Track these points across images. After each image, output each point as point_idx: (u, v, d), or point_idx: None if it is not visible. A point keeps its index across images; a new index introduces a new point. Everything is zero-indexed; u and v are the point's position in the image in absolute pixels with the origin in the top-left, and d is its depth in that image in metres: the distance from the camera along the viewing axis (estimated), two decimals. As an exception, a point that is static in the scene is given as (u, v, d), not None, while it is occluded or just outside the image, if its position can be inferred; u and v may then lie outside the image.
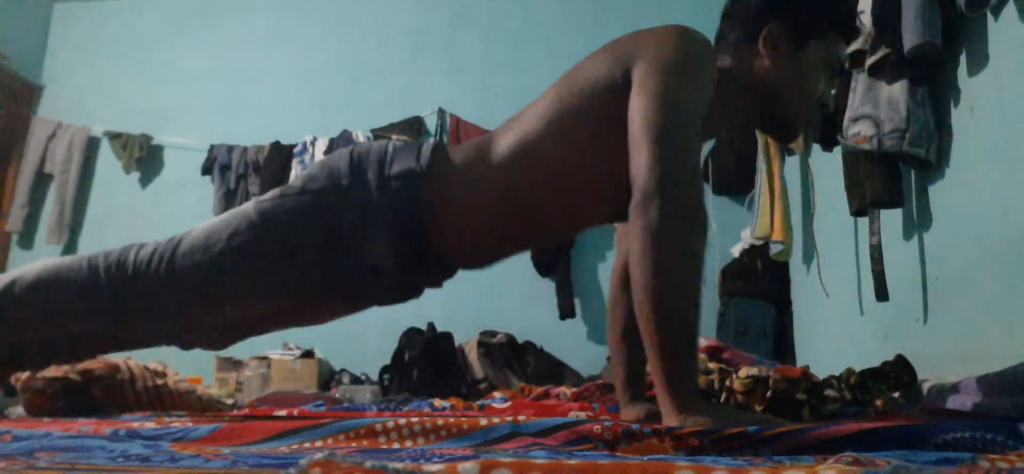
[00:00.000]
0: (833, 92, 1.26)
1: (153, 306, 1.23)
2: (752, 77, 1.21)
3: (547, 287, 4.04)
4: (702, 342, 1.84)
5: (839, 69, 1.26)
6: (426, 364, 3.45)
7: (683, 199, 1.00)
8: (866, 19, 2.03)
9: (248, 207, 1.24)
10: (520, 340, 3.78)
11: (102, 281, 1.21)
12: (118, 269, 1.22)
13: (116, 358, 1.63)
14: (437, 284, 1.30)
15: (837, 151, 2.48)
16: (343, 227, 1.20)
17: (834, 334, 2.79)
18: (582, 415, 1.27)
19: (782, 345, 3.33)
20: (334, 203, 1.20)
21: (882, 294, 2.06)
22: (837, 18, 1.23)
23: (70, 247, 4.57)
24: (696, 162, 1.05)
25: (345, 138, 4.34)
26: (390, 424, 0.88)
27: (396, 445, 0.85)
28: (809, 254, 3.06)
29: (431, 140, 1.30)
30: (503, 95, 4.37)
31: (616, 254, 1.39)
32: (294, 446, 0.85)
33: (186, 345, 1.32)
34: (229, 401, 2.41)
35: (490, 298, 3.87)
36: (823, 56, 1.21)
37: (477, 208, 1.20)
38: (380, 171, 1.21)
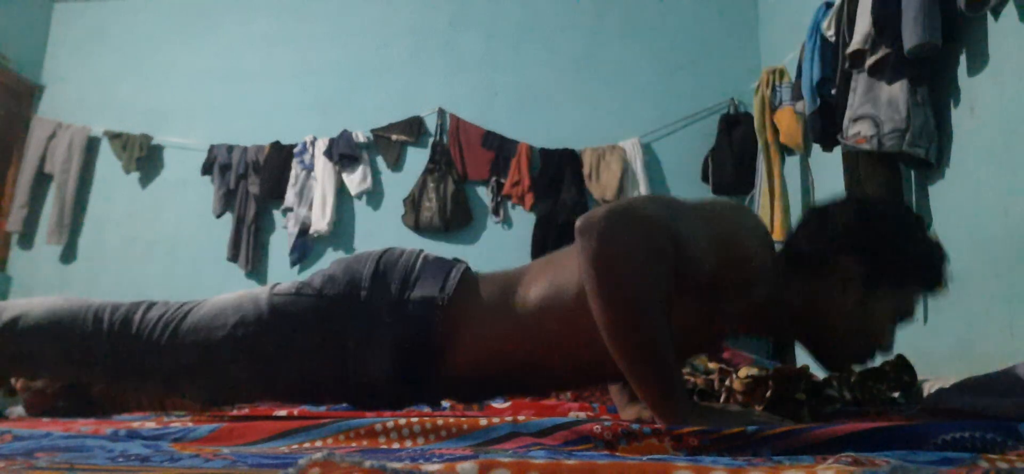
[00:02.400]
0: (895, 332, 1.13)
1: (147, 370, 1.22)
2: (810, 299, 1.10)
3: (547, 287, 4.04)
4: (702, 342, 1.84)
5: (909, 318, 1.13)
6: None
7: (622, 222, 0.96)
8: (866, 19, 2.03)
9: (262, 296, 1.22)
10: (520, 340, 3.78)
11: (104, 335, 1.21)
12: (122, 327, 1.21)
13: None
14: (432, 404, 1.29)
15: (837, 151, 2.48)
16: (349, 334, 1.18)
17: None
18: (582, 415, 1.26)
19: (782, 345, 3.33)
20: (346, 313, 1.19)
21: (882, 294, 2.05)
22: (925, 274, 1.11)
23: (70, 247, 4.57)
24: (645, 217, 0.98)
25: (345, 138, 4.34)
26: (390, 424, 0.88)
27: (396, 445, 0.85)
28: (809, 254, 3.05)
29: (462, 265, 1.26)
30: (503, 94, 4.38)
31: None
32: (294, 446, 0.85)
33: (170, 408, 1.31)
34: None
35: (490, 298, 3.87)
36: (896, 306, 1.10)
37: (488, 351, 1.17)
38: (402, 290, 1.19)
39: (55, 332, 1.22)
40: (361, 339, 1.17)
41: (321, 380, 1.20)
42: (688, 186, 3.97)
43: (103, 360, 1.22)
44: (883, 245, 1.08)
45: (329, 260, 4.19)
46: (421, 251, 1.27)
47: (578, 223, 0.98)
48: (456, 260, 1.26)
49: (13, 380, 1.53)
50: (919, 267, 1.10)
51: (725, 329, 1.18)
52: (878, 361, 1.25)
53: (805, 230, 1.15)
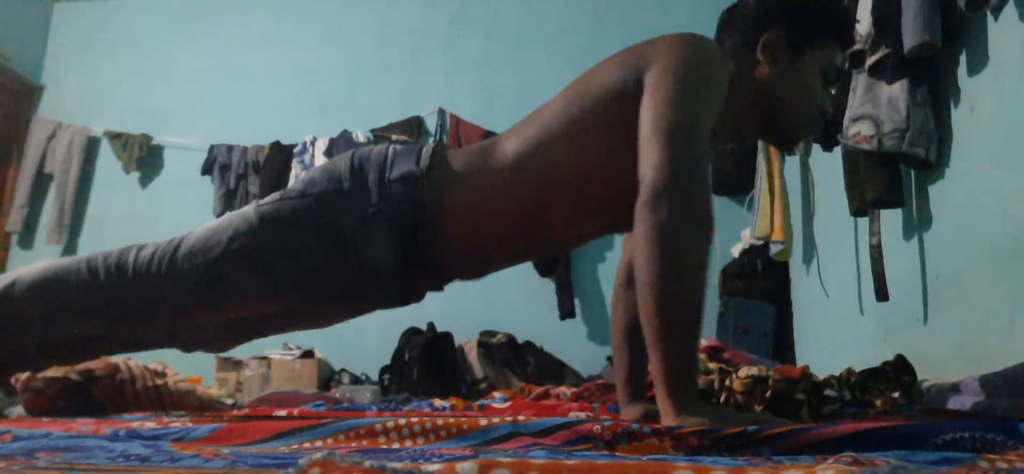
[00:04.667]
0: (832, 95, 1.25)
1: (153, 308, 1.23)
2: (750, 85, 1.20)
3: (547, 287, 4.04)
4: (702, 342, 1.84)
5: (836, 76, 1.25)
6: (426, 364, 3.45)
7: (691, 200, 0.99)
8: (866, 19, 2.03)
9: (248, 210, 1.24)
10: (520, 340, 3.78)
11: (101, 282, 1.21)
12: (117, 271, 1.22)
13: (116, 358, 1.63)
14: (438, 287, 1.30)
15: (837, 151, 2.48)
16: (343, 230, 1.19)
17: (834, 334, 2.79)
18: (582, 415, 1.27)
19: (782, 345, 3.33)
20: (334, 206, 1.20)
21: (882, 294, 2.06)
22: (834, 26, 1.22)
23: (70, 247, 4.57)
24: (705, 166, 1.05)
25: (345, 138, 4.34)
26: (390, 424, 0.88)
27: (396, 445, 0.85)
28: (809, 254, 3.06)
29: (431, 141, 1.29)
30: (503, 95, 4.38)
31: (622, 252, 1.39)
32: (294, 446, 0.85)
33: (187, 347, 1.31)
34: (229, 401, 2.41)
35: (490, 298, 3.87)
36: (821, 63, 1.21)
37: (478, 212, 1.19)
38: (380, 174, 1.21)
39: (52, 288, 1.23)
40: (353, 226, 1.19)
41: (326, 274, 1.21)
42: (688, 186, 3.97)
43: (105, 307, 1.22)
44: (794, 9, 1.20)
45: (329, 260, 4.20)
46: (390, 140, 1.30)
47: (645, 196, 1.00)
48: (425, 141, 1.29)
49: (13, 379, 1.53)
50: (831, 20, 1.22)
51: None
52: (886, 354, 1.26)
53: (726, 27, 1.26)
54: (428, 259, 1.22)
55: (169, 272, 1.20)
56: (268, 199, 1.25)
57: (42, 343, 1.28)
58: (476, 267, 1.29)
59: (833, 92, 1.25)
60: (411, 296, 1.27)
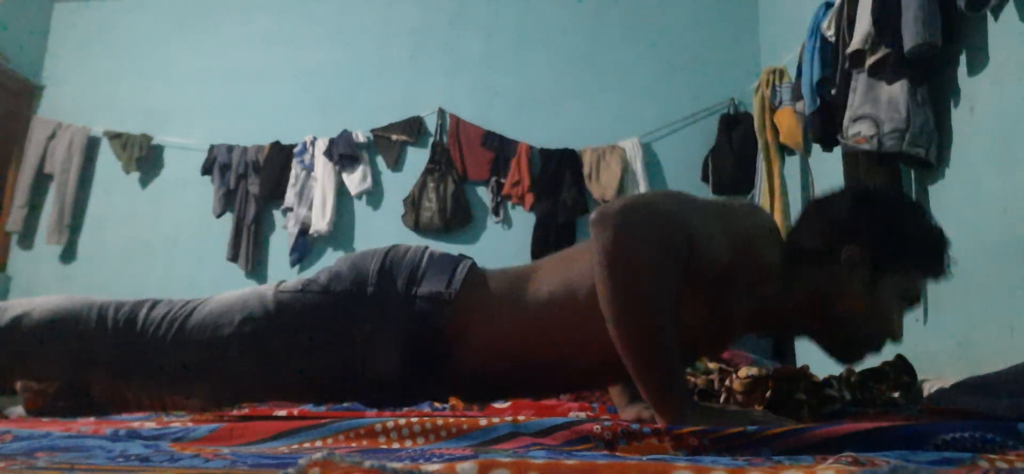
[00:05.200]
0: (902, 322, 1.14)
1: (153, 367, 1.22)
2: (820, 292, 1.10)
3: (547, 287, 4.04)
4: (702, 342, 1.84)
5: (917, 304, 1.14)
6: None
7: (638, 215, 0.97)
8: (866, 19, 2.03)
9: (267, 293, 1.22)
10: (520, 340, 3.78)
11: (108, 333, 1.20)
12: (127, 325, 1.21)
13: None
14: (441, 401, 1.29)
15: (837, 151, 2.48)
16: (356, 332, 1.17)
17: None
18: (582, 415, 1.26)
19: (782, 345, 3.33)
20: (354, 308, 1.18)
21: (882, 294, 2.05)
22: (926, 259, 1.12)
23: (70, 247, 4.57)
24: (666, 228, 0.98)
25: (345, 138, 4.34)
26: (390, 424, 0.88)
27: (396, 445, 0.85)
28: (809, 254, 3.05)
29: (468, 261, 1.23)
30: (503, 95, 4.38)
31: None
32: (294, 446, 0.85)
33: (171, 408, 1.30)
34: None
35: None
36: (903, 290, 1.11)
37: (497, 344, 1.16)
38: (408, 286, 1.18)
39: (58, 331, 1.22)
40: (368, 335, 1.17)
41: (329, 376, 1.20)
42: (688, 186, 3.97)
43: (107, 359, 1.21)
44: (886, 229, 1.09)
45: (329, 260, 4.19)
46: (427, 247, 1.27)
47: (593, 215, 0.99)
48: (462, 256, 1.26)
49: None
50: (922, 249, 1.11)
51: (735, 331, 1.17)
52: (886, 354, 1.26)
53: (807, 222, 1.16)
54: (435, 378, 1.20)
55: (176, 338, 1.19)
56: (289, 286, 1.23)
57: (39, 375, 1.27)
58: (479, 392, 1.27)
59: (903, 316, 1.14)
60: (407, 403, 1.25)
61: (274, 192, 4.34)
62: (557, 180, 4.08)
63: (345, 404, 1.19)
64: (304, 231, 4.25)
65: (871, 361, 1.33)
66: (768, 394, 1.30)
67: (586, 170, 4.07)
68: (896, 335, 1.13)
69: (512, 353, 1.16)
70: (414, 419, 0.88)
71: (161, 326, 1.20)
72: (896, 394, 1.43)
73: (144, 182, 4.65)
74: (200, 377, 1.22)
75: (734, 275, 1.06)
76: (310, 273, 1.27)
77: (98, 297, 1.26)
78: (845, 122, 2.18)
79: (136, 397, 1.62)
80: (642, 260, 0.95)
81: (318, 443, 0.85)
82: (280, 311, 1.19)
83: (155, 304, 1.23)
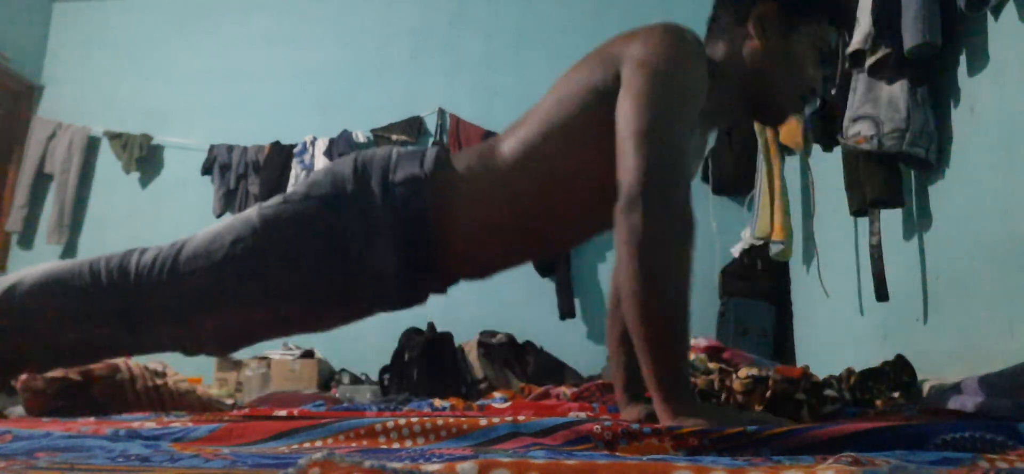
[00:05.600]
0: (825, 79, 1.25)
1: (155, 311, 1.22)
2: (742, 61, 1.20)
3: (547, 287, 4.04)
4: (702, 342, 1.84)
5: (828, 53, 1.24)
6: (426, 364, 3.45)
7: (666, 202, 0.99)
8: (866, 19, 2.03)
9: (251, 213, 1.23)
10: (520, 340, 3.78)
11: (103, 286, 1.20)
12: (120, 274, 1.21)
13: (116, 358, 1.63)
14: (442, 290, 1.30)
15: (837, 151, 2.48)
16: (346, 233, 1.19)
17: (834, 334, 2.79)
18: (582, 415, 1.27)
19: (782, 345, 3.33)
20: (338, 209, 1.20)
21: (882, 294, 2.06)
22: (829, 2, 1.21)
23: (70, 247, 4.57)
24: (682, 164, 1.04)
25: (345, 138, 4.34)
26: (390, 424, 0.88)
27: (396, 445, 0.85)
28: (809, 254, 3.06)
29: (435, 146, 1.29)
30: (503, 95, 4.38)
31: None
32: (294, 446, 0.85)
33: (189, 351, 1.31)
34: (229, 401, 2.41)
35: (490, 298, 3.87)
36: (813, 40, 1.19)
37: (480, 214, 1.20)
38: (384, 177, 1.20)
39: (54, 291, 1.22)
40: (356, 232, 1.19)
41: (328, 280, 1.21)
42: (688, 186, 3.96)
43: (106, 311, 1.21)
44: None
45: (329, 260, 4.20)
46: (390, 141, 1.31)
47: (621, 202, 1.00)
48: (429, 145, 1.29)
49: (13, 380, 1.53)
50: None
51: (700, 146, 1.26)
52: (886, 354, 1.26)
53: (722, 4, 1.26)
54: (431, 261, 1.22)
55: (171, 276, 1.19)
56: (271, 202, 1.24)
57: (45, 345, 1.27)
58: (479, 268, 1.29)
59: (826, 73, 1.24)
60: (414, 299, 1.27)
61: (274, 192, 4.33)
62: (557, 180, 4.08)
63: (345, 404, 1.19)
64: (304, 231, 4.25)
65: (870, 360, 1.33)
66: (768, 394, 1.30)
67: (586, 170, 4.07)
68: (815, 82, 1.21)
69: (496, 216, 1.20)
70: (414, 419, 0.89)
71: (154, 268, 1.20)
72: (896, 394, 1.43)
73: (144, 182, 4.65)
74: (202, 308, 1.22)
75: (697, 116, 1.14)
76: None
77: (87, 257, 1.27)
78: (845, 122, 2.18)
79: (136, 395, 1.62)
80: (670, 253, 0.98)
81: (318, 443, 0.85)
82: (266, 225, 1.20)
83: (143, 251, 1.24)
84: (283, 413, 1.19)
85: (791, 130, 3.19)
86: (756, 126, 3.50)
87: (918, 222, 2.00)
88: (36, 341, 1.26)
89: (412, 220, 1.18)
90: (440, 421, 0.88)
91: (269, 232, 1.20)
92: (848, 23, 1.24)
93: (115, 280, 1.21)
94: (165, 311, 1.22)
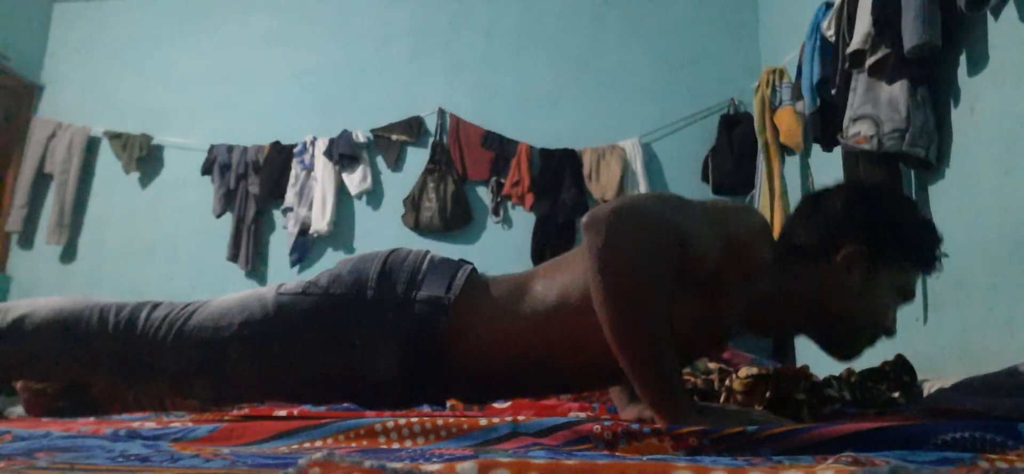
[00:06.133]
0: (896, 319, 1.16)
1: (153, 369, 1.22)
2: (813, 288, 1.11)
3: (547, 287, 4.04)
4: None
5: (911, 298, 1.16)
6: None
7: (629, 219, 0.96)
8: (866, 19, 2.03)
9: (268, 295, 1.22)
10: (520, 340, 3.78)
11: (109, 335, 1.21)
12: (127, 327, 1.21)
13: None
14: (439, 403, 1.29)
15: (837, 151, 2.48)
16: (356, 336, 1.18)
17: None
18: (582, 415, 1.26)
19: (782, 345, 3.33)
20: (353, 312, 1.18)
21: (882, 294, 2.05)
22: (921, 255, 1.13)
23: (70, 247, 4.57)
24: (659, 231, 0.98)
25: (345, 138, 4.34)
26: (390, 424, 0.88)
27: (396, 445, 0.85)
28: (809, 254, 3.05)
29: (468, 266, 1.23)
30: (503, 95, 4.38)
31: None
32: (294, 446, 0.85)
33: (170, 409, 1.31)
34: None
35: (490, 298, 3.87)
36: (898, 285, 1.12)
37: (499, 352, 1.16)
38: (408, 290, 1.19)
39: (60, 332, 1.22)
40: (367, 338, 1.17)
41: (328, 378, 1.20)
42: (688, 186, 3.97)
43: (108, 360, 1.22)
44: (881, 225, 1.10)
45: (329, 260, 4.20)
46: (428, 252, 1.27)
47: (584, 219, 0.99)
48: (462, 261, 1.26)
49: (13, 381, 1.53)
50: (917, 244, 1.12)
51: (729, 330, 1.17)
52: (885, 353, 1.26)
53: (802, 219, 1.17)
54: (434, 381, 1.20)
55: (176, 340, 1.19)
56: (289, 288, 1.23)
57: (45, 376, 1.28)
58: (477, 394, 1.28)
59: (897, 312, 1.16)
60: (404, 405, 1.26)
61: (274, 192, 4.34)
62: (557, 180, 4.08)
63: (345, 405, 1.20)
64: (304, 231, 4.25)
65: (869, 360, 1.34)
66: (768, 394, 1.30)
67: (586, 170, 4.07)
68: (891, 330, 1.14)
69: (509, 357, 1.16)
70: (414, 419, 0.88)
71: (161, 328, 1.20)
72: (896, 394, 1.43)
73: (144, 182, 4.65)
74: (200, 379, 1.22)
75: (726, 275, 1.06)
76: (310, 274, 1.27)
77: (99, 299, 1.27)
78: (845, 122, 2.18)
79: (136, 398, 1.62)
80: (635, 264, 0.95)
81: (318, 443, 0.85)
82: (280, 313, 1.19)
83: (155, 306, 1.24)
84: (283, 413, 1.19)
85: (791, 130, 3.19)
86: (756, 127, 3.50)
87: (918, 222, 2.00)
88: (37, 372, 1.26)
89: (425, 341, 1.16)
90: (440, 421, 0.88)
91: (281, 321, 1.19)
92: (935, 268, 1.15)
93: (121, 332, 1.21)
94: (163, 372, 1.22)
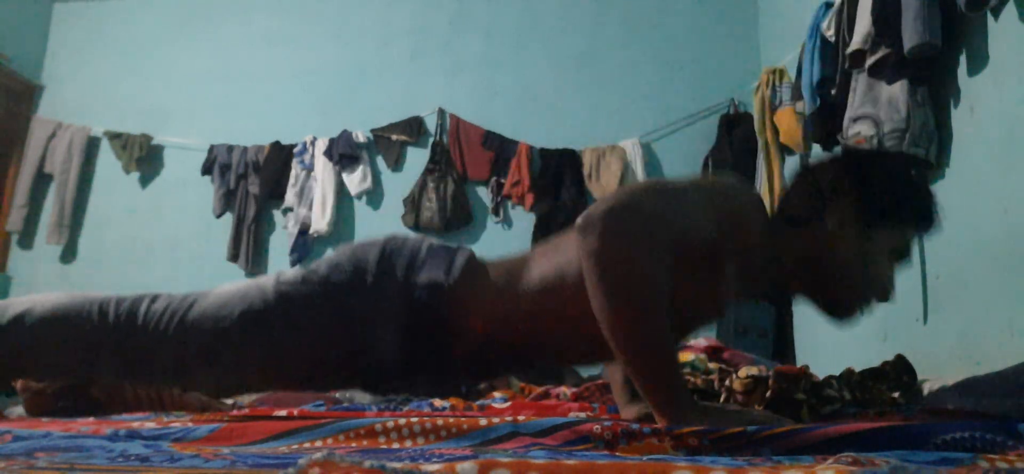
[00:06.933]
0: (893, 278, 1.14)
1: (155, 360, 1.22)
2: (810, 250, 1.12)
3: (547, 287, 4.04)
4: (702, 342, 1.84)
5: (907, 259, 1.15)
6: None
7: (624, 220, 0.96)
8: (866, 19, 2.03)
9: (268, 284, 1.23)
10: (520, 340, 3.78)
11: (110, 328, 1.21)
12: (127, 319, 1.21)
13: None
14: (440, 393, 1.29)
15: (837, 151, 2.47)
16: (357, 319, 1.18)
17: (834, 334, 2.78)
18: (582, 415, 1.26)
19: (782, 345, 3.33)
20: (354, 299, 1.19)
21: (882, 294, 2.05)
22: (916, 211, 1.11)
23: (70, 247, 4.57)
24: (654, 239, 0.97)
25: (345, 138, 4.34)
26: (390, 424, 0.88)
27: (396, 445, 0.85)
28: (809, 254, 3.05)
29: (466, 250, 1.24)
30: (503, 95, 4.38)
31: None
32: (294, 446, 0.85)
33: (170, 408, 1.31)
34: (229, 401, 2.41)
35: (490, 298, 3.87)
36: (893, 246, 1.11)
37: (497, 333, 1.18)
38: (408, 274, 1.19)
39: (60, 327, 1.22)
40: (368, 323, 1.18)
41: (330, 364, 1.21)
42: (688, 186, 3.96)
43: (110, 353, 1.22)
44: (874, 185, 1.10)
45: (329, 260, 4.20)
46: (425, 237, 1.28)
47: (579, 221, 0.99)
48: (461, 246, 1.27)
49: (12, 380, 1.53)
50: (911, 203, 1.11)
51: (728, 298, 1.17)
52: (886, 353, 1.26)
53: (798, 186, 1.17)
54: (433, 363, 1.21)
55: (177, 331, 1.19)
56: (289, 277, 1.24)
57: (45, 372, 1.28)
58: (480, 375, 1.29)
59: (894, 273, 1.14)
60: (406, 389, 1.26)
61: (274, 192, 4.34)
62: (557, 180, 4.08)
63: (345, 404, 1.20)
64: (304, 231, 4.25)
65: (869, 360, 1.33)
66: (768, 394, 1.30)
67: (586, 170, 4.08)
68: (888, 290, 1.13)
69: (508, 338, 1.18)
70: (414, 419, 0.88)
71: (162, 320, 1.20)
72: (896, 394, 1.43)
73: (144, 182, 4.65)
74: (201, 369, 1.22)
75: (724, 251, 1.07)
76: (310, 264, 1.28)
77: (98, 293, 1.27)
78: (845, 122, 2.18)
79: (136, 395, 1.62)
80: (631, 265, 0.95)
81: (318, 443, 0.85)
82: (280, 301, 1.20)
83: (155, 298, 1.24)
84: (283, 413, 1.19)
85: (791, 130, 3.19)
86: (756, 127, 3.50)
87: (918, 222, 2.00)
88: (37, 369, 1.26)
89: (426, 325, 1.17)
90: (440, 421, 0.88)
91: (281, 309, 1.19)
92: (933, 227, 1.13)
93: (122, 325, 1.21)
94: (165, 361, 1.22)
